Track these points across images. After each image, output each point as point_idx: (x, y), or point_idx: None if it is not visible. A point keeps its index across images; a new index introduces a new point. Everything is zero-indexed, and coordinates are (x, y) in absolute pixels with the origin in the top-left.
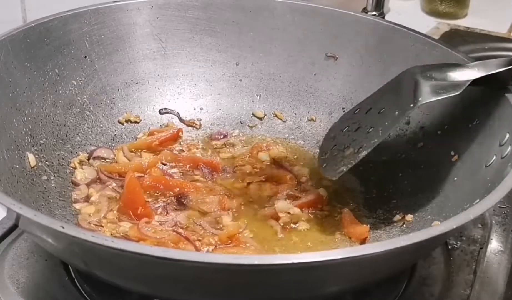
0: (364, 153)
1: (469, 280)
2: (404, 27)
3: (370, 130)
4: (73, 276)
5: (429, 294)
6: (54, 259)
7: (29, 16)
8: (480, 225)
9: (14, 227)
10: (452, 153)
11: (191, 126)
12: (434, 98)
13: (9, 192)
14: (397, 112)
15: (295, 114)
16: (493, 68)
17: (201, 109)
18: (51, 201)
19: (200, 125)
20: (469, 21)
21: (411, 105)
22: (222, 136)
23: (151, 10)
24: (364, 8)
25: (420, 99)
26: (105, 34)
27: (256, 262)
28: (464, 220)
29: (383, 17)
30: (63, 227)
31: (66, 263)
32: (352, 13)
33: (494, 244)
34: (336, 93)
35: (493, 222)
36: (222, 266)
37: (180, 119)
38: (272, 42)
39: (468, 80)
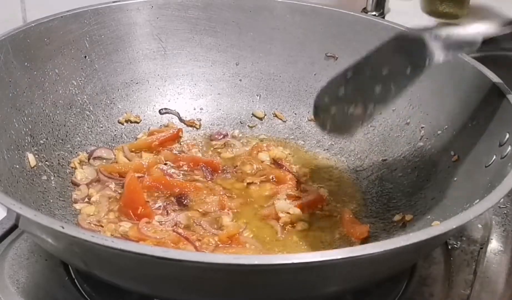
0: (379, 109)
1: (469, 280)
2: (403, 27)
3: (378, 88)
4: (73, 276)
5: (429, 294)
6: (54, 259)
7: (29, 16)
8: (480, 225)
9: (14, 227)
10: (452, 153)
11: (191, 126)
12: (451, 55)
13: (9, 192)
14: (409, 69)
15: (295, 114)
16: (502, 26)
17: (201, 109)
18: (51, 201)
19: (200, 125)
20: (469, 21)
21: (427, 61)
22: (222, 136)
23: (151, 10)
24: (364, 8)
25: (435, 53)
26: (105, 34)
27: (256, 262)
28: (464, 220)
29: (383, 17)
30: (63, 227)
31: (66, 263)
32: (352, 13)
33: (494, 244)
34: None
35: (493, 222)
36: (222, 266)
37: (180, 119)
38: (272, 42)
39: (481, 36)
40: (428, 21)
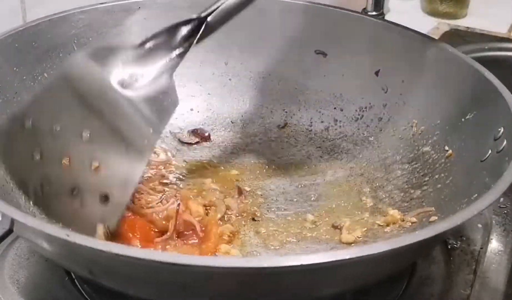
0: None
1: (469, 280)
2: (393, 23)
3: None
4: (73, 276)
5: (429, 294)
6: None
7: (29, 16)
8: (480, 225)
9: None
10: (446, 148)
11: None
12: None
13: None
14: None
15: (286, 112)
16: None
17: (191, 109)
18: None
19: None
20: (469, 21)
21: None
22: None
23: (138, 11)
24: (364, 8)
25: None
26: (92, 36)
27: (265, 265)
28: (464, 218)
29: (383, 17)
30: (68, 235)
31: None
32: (341, 10)
33: (494, 244)
34: (326, 91)
35: (493, 222)
36: (232, 270)
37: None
38: (261, 40)
39: None
40: (428, 21)
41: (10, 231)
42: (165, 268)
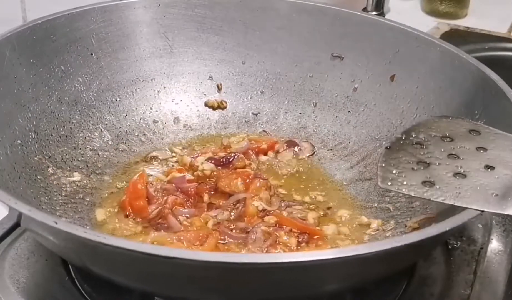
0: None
1: (469, 280)
2: (410, 27)
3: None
4: (73, 276)
5: (429, 294)
6: (54, 259)
7: (29, 16)
8: (480, 225)
9: (14, 227)
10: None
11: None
12: None
13: (10, 188)
14: None
15: (300, 114)
16: None
17: (207, 108)
18: (54, 198)
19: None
20: (469, 21)
21: None
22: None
23: (158, 8)
24: (364, 8)
25: None
26: (111, 31)
27: (245, 261)
28: (459, 222)
29: (383, 17)
30: (56, 223)
31: (66, 263)
32: (358, 13)
33: (494, 244)
34: (341, 94)
35: (493, 222)
36: (212, 264)
37: None
38: (278, 41)
39: None
40: (428, 21)
41: (10, 231)
42: (147, 259)
